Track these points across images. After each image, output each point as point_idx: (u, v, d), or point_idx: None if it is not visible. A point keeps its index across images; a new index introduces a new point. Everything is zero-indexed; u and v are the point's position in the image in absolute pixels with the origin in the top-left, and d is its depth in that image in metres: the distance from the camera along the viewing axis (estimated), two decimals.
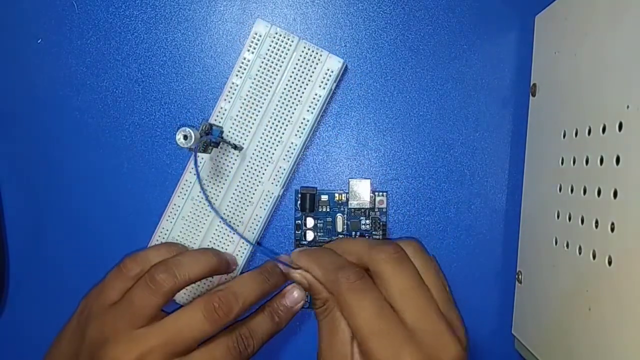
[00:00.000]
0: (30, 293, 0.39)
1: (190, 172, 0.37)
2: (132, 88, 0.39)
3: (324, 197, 0.38)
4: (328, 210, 0.38)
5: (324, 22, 0.39)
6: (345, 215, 0.38)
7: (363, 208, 0.38)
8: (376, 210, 0.38)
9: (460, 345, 0.29)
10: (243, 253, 0.37)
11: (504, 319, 0.39)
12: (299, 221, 0.38)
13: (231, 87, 0.37)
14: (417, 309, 0.30)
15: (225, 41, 0.39)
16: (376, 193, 0.38)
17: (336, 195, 0.38)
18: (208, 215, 0.37)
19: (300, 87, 0.36)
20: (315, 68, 0.36)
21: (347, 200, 0.38)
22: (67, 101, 0.39)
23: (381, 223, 0.38)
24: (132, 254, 0.34)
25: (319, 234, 0.38)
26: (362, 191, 0.37)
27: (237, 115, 0.37)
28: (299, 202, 0.38)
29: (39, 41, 0.38)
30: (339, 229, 0.38)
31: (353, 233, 0.38)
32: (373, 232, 0.38)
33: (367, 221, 0.38)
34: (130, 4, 0.38)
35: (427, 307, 0.30)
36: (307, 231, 0.38)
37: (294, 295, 0.35)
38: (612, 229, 0.25)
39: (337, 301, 0.31)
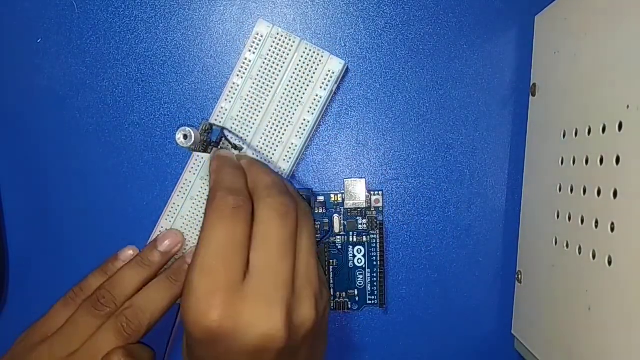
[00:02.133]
0: (30, 292, 0.39)
1: (190, 172, 0.37)
2: (132, 88, 0.39)
3: (320, 199, 0.38)
4: (325, 211, 0.38)
5: (324, 22, 0.39)
6: (341, 216, 0.38)
7: (359, 208, 0.38)
8: (372, 209, 0.38)
9: (280, 324, 0.26)
10: None
11: (504, 319, 0.39)
12: None
13: (232, 87, 0.37)
14: (267, 261, 0.27)
15: (225, 41, 0.39)
16: (372, 192, 0.38)
17: (332, 196, 0.38)
18: None
19: (301, 88, 0.36)
20: (316, 69, 0.36)
21: (343, 200, 0.38)
22: (67, 101, 0.39)
23: (378, 222, 0.38)
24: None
25: (316, 235, 0.38)
26: (357, 191, 0.37)
27: (237, 116, 0.37)
28: None
29: (39, 41, 0.38)
30: (337, 230, 0.38)
31: (350, 233, 0.38)
32: (370, 232, 0.38)
33: (364, 221, 0.38)
34: (130, 4, 0.38)
35: (280, 266, 0.27)
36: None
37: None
38: (612, 229, 0.25)
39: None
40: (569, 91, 0.31)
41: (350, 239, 0.38)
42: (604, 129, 0.27)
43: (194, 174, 0.37)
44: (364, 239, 0.38)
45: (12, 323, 0.39)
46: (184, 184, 0.37)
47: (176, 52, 0.39)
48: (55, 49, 0.38)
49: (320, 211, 0.38)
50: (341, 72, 0.36)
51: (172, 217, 0.37)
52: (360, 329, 0.39)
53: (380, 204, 0.38)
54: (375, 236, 0.38)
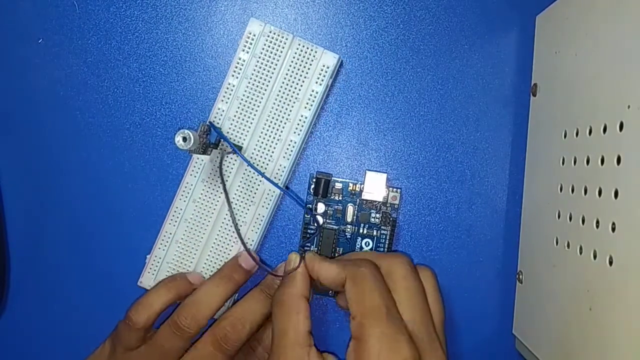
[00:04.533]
0: (30, 293, 0.39)
1: (191, 175, 0.37)
2: (133, 88, 0.39)
3: (338, 185, 0.38)
4: (340, 198, 0.38)
5: (325, 22, 0.39)
6: (356, 206, 0.38)
7: (375, 201, 0.38)
8: (388, 205, 0.38)
9: None
10: (251, 245, 0.37)
11: (505, 319, 0.39)
12: (310, 205, 0.38)
13: (227, 88, 0.36)
14: (419, 315, 0.30)
15: (226, 41, 0.39)
16: (390, 188, 0.38)
17: (350, 184, 0.38)
18: (211, 217, 0.37)
19: (297, 84, 0.36)
20: (310, 65, 0.36)
21: (361, 191, 0.38)
22: (68, 101, 0.39)
23: (391, 219, 0.38)
24: (133, 304, 0.34)
25: (328, 220, 0.38)
26: (377, 184, 0.37)
27: (234, 116, 0.37)
28: (312, 186, 0.38)
29: (39, 41, 0.38)
30: (349, 219, 0.38)
31: (362, 225, 0.38)
32: (382, 227, 0.38)
33: (378, 215, 0.38)
34: (130, 4, 0.38)
35: (428, 318, 0.31)
36: (317, 216, 0.38)
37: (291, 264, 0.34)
38: (613, 229, 0.25)
39: (346, 285, 0.31)
40: (569, 91, 0.31)
41: (361, 231, 0.38)
42: (604, 129, 0.27)
43: (195, 176, 0.37)
44: (374, 233, 0.38)
45: (12, 324, 0.39)
46: (186, 187, 0.37)
47: (177, 52, 0.39)
48: (56, 49, 0.38)
49: (336, 198, 0.38)
50: (336, 66, 0.36)
51: (176, 221, 0.37)
52: None
53: (396, 201, 0.38)
54: (386, 232, 0.38)
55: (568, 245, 0.30)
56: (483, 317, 0.39)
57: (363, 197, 0.38)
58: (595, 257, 0.27)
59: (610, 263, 0.26)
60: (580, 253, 0.29)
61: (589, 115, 0.29)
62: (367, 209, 0.38)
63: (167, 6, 0.38)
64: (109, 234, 0.39)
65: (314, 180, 0.38)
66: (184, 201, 0.37)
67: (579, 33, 0.30)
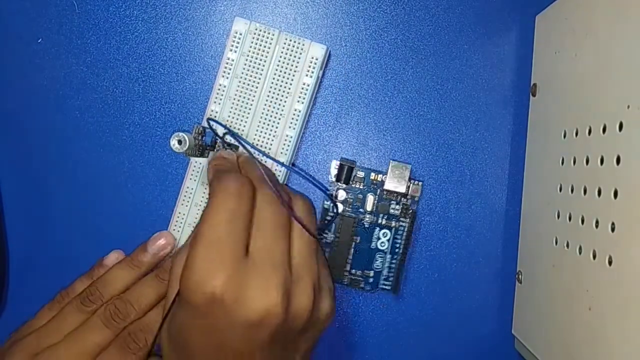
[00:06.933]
0: (30, 293, 0.39)
1: (191, 179, 0.37)
2: (132, 88, 0.39)
3: (361, 174, 0.38)
4: (361, 187, 0.38)
5: (324, 21, 0.39)
6: (376, 196, 0.38)
7: (396, 192, 0.38)
8: (408, 197, 0.38)
9: (278, 300, 0.26)
10: None
11: (504, 319, 0.39)
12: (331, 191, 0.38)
13: (219, 89, 0.36)
14: (264, 242, 0.27)
15: (226, 41, 0.39)
16: (412, 181, 0.38)
17: (372, 174, 0.38)
18: None
19: (288, 78, 0.36)
20: (299, 58, 0.36)
21: (383, 181, 0.38)
22: (67, 101, 0.39)
23: (411, 211, 0.38)
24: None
25: (347, 208, 0.38)
26: (401, 176, 0.37)
27: (228, 116, 0.36)
28: (336, 172, 0.38)
29: (39, 41, 0.38)
30: (368, 208, 0.38)
31: (381, 216, 0.38)
32: (401, 219, 0.38)
33: (397, 207, 0.38)
34: (130, 3, 0.38)
35: (275, 248, 0.28)
36: (337, 203, 0.38)
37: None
38: (613, 229, 0.25)
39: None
40: (569, 91, 0.31)
41: (379, 221, 0.38)
42: (604, 129, 0.27)
43: (195, 180, 0.37)
44: (393, 224, 0.38)
45: (12, 323, 0.39)
46: (186, 192, 0.37)
47: (177, 52, 0.39)
48: (56, 49, 0.38)
49: (357, 186, 0.38)
50: (324, 57, 0.36)
51: (180, 227, 0.37)
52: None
53: (417, 194, 0.38)
54: (404, 224, 0.38)
55: (567, 245, 0.30)
56: (482, 317, 0.39)
57: (385, 188, 0.37)
58: (594, 257, 0.27)
59: (610, 263, 0.26)
60: (580, 253, 0.29)
61: (588, 115, 0.29)
62: (388, 200, 0.38)
63: (167, 6, 0.38)
64: (108, 232, 0.39)
65: (337, 166, 0.38)
66: (186, 206, 0.37)
67: (579, 33, 0.30)
